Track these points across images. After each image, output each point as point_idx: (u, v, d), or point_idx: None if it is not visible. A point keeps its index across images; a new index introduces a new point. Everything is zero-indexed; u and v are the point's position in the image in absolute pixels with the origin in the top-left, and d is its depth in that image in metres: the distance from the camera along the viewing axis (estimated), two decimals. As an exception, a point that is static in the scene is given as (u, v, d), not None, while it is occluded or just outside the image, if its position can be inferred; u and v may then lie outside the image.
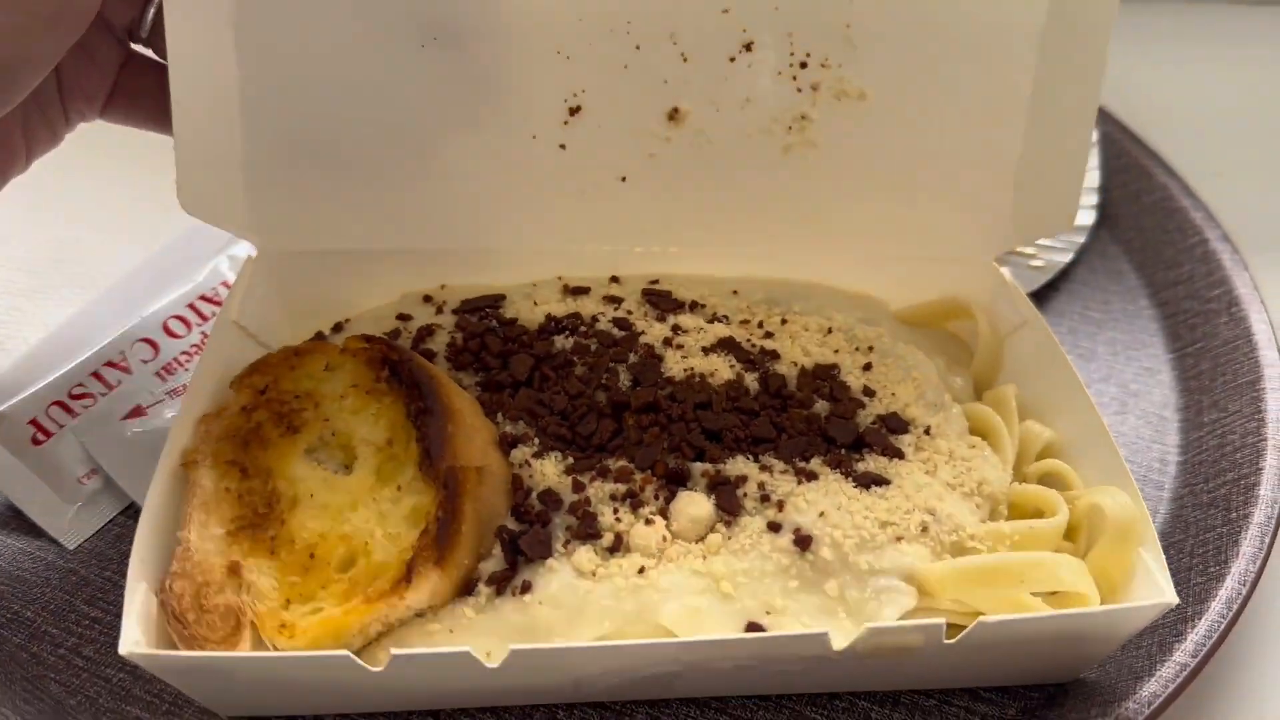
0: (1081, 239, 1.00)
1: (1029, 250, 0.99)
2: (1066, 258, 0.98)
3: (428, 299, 0.81)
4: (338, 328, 0.80)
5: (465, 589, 0.64)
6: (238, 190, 0.77)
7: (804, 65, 0.78)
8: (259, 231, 0.79)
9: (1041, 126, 0.79)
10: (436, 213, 0.81)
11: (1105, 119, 1.07)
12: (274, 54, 0.74)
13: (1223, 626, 0.67)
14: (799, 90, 0.78)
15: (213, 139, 0.74)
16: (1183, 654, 0.66)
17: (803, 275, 0.84)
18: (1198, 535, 0.75)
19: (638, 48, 0.77)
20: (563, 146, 0.80)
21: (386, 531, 0.64)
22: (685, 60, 0.77)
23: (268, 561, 0.63)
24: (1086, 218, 1.01)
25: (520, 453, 0.69)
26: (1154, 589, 0.63)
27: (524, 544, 0.64)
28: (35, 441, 0.76)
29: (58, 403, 0.77)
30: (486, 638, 0.62)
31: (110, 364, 0.79)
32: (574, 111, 0.78)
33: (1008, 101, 0.79)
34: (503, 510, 0.67)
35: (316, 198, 0.79)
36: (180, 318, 0.83)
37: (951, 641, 0.61)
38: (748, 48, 0.77)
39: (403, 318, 0.78)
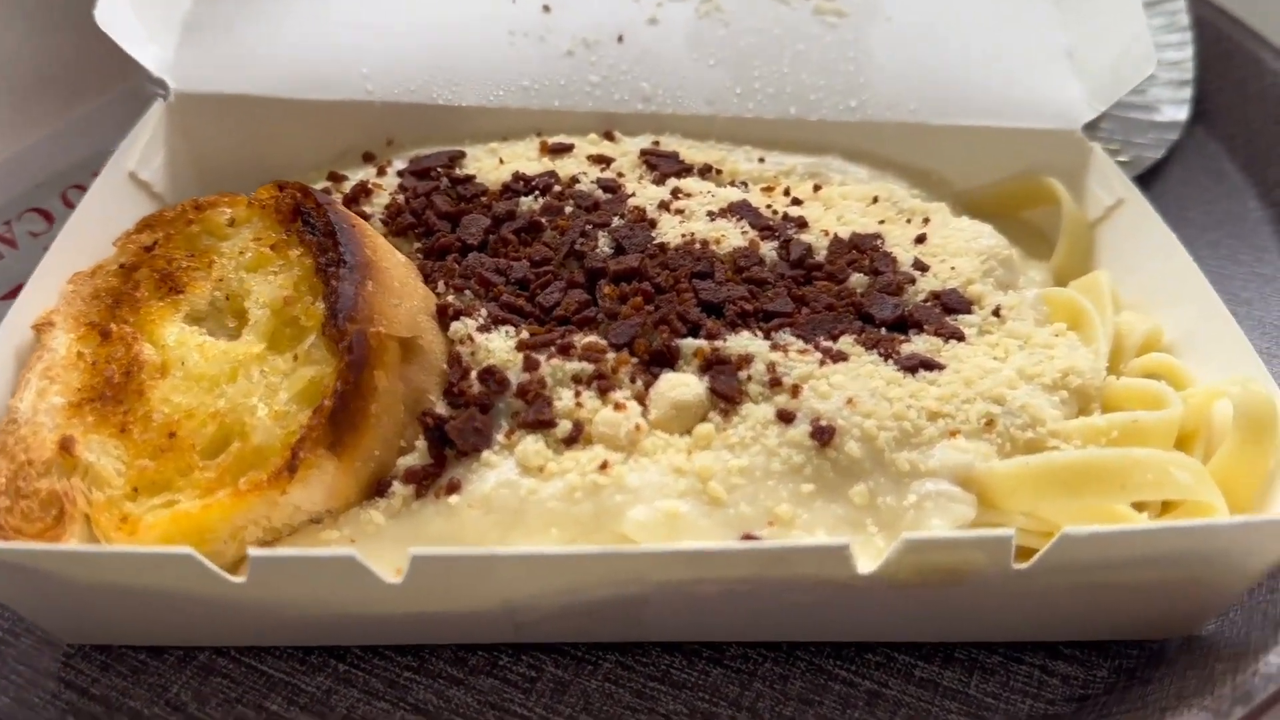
0: (1174, 136, 0.83)
1: (1114, 145, 0.82)
2: (1157, 154, 0.82)
3: (369, 157, 0.66)
4: (264, 190, 0.66)
5: (378, 489, 0.49)
6: (173, 25, 0.66)
7: None
8: (177, 71, 0.65)
9: None
10: (389, 61, 0.67)
11: (1201, 1, 0.90)
12: None
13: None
14: None
15: None
16: (1348, 600, 0.49)
17: (860, 145, 0.69)
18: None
19: None
20: (546, 8, 0.69)
21: (273, 409, 0.49)
22: None
23: (115, 441, 0.48)
24: (1179, 112, 0.84)
25: (463, 326, 0.53)
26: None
27: (452, 432, 0.49)
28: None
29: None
30: (399, 549, 0.47)
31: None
32: None
33: None
34: (438, 396, 0.52)
35: (253, 37, 0.66)
36: (82, 187, 0.69)
37: (1024, 566, 0.44)
38: None
39: (335, 178, 0.64)
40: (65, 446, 0.47)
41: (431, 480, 0.49)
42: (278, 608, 0.46)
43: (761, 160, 0.66)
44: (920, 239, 0.60)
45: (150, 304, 0.54)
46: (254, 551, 0.43)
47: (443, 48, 0.67)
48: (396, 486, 0.49)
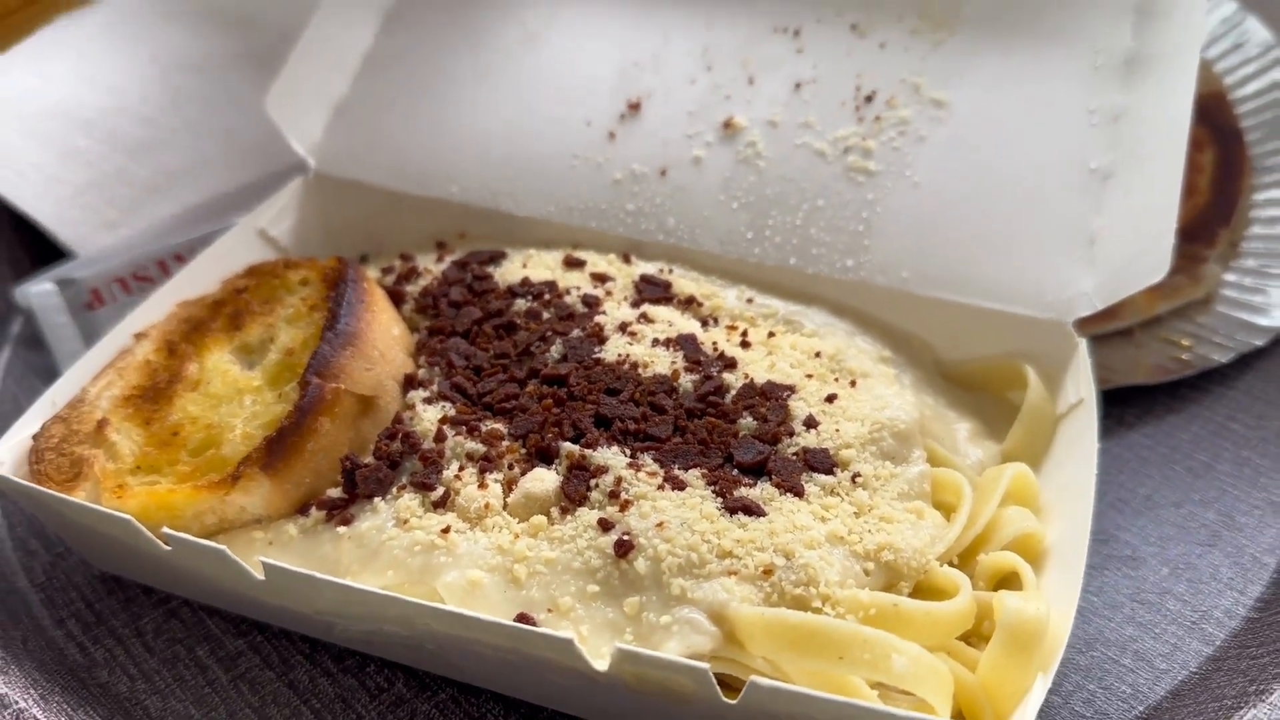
0: (1259, 342, 0.80)
1: (1185, 341, 0.80)
2: (1223, 357, 0.79)
3: (441, 245, 0.80)
4: (364, 259, 0.82)
5: (303, 509, 0.63)
6: (321, 119, 0.85)
7: (869, 99, 0.77)
8: (322, 155, 0.83)
9: (1126, 167, 0.71)
10: (473, 165, 0.81)
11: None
12: (403, 27, 0.86)
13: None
14: (860, 120, 0.77)
15: (325, 73, 0.85)
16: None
17: (851, 302, 0.74)
18: (1196, 704, 0.56)
19: (709, 68, 0.81)
20: (612, 135, 0.80)
21: (245, 431, 0.64)
22: (751, 83, 0.80)
23: (139, 430, 0.65)
24: (1284, 319, 0.80)
25: (415, 395, 0.66)
26: (1019, 725, 0.48)
27: (359, 477, 0.62)
28: (90, 307, 0.84)
29: (120, 279, 0.85)
30: (299, 559, 0.60)
31: (178, 257, 0.87)
32: (633, 107, 0.81)
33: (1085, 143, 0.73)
34: (381, 447, 0.65)
35: (380, 132, 0.83)
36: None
37: (731, 702, 0.50)
38: (814, 80, 0.79)
39: (405, 258, 0.79)
40: (100, 426, 0.65)
41: (339, 511, 0.62)
42: (195, 574, 0.61)
43: (750, 301, 0.73)
44: (831, 398, 0.65)
45: (216, 334, 0.71)
46: (169, 531, 0.58)
47: (515, 161, 0.80)
48: (314, 510, 0.62)
